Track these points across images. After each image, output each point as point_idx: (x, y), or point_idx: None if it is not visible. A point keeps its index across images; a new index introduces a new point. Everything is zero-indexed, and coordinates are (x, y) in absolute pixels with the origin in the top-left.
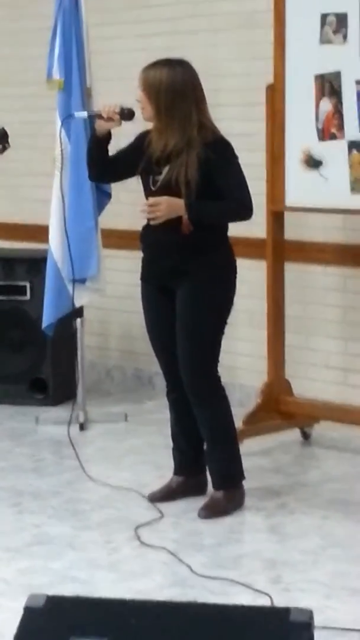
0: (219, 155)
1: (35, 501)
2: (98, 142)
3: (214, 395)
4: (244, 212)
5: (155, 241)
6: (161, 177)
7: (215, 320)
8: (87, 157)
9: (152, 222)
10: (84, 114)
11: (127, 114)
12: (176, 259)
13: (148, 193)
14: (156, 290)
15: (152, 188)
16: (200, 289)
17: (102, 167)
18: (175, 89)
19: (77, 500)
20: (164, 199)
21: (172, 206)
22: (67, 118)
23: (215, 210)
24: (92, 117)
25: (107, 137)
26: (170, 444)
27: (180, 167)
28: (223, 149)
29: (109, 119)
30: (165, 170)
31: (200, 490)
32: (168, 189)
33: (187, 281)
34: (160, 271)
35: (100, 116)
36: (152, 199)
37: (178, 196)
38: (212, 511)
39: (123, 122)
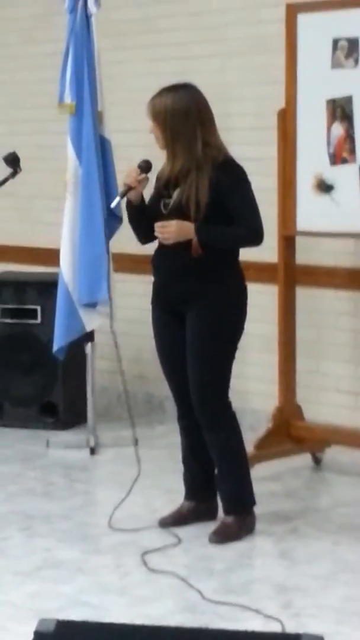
0: (230, 177)
1: (45, 525)
2: (137, 210)
3: (225, 420)
4: (255, 238)
5: (166, 265)
6: (172, 200)
7: (226, 346)
8: (134, 229)
9: (164, 243)
10: (118, 200)
11: (147, 166)
12: (187, 284)
13: (159, 217)
14: (167, 315)
15: (164, 211)
16: (211, 313)
17: (149, 229)
18: (180, 111)
19: (87, 525)
20: (174, 222)
21: (182, 229)
22: (109, 213)
23: (225, 235)
24: (126, 194)
25: (142, 202)
26: (181, 468)
27: (190, 189)
28: (234, 170)
29: (139, 182)
30: (176, 193)
31: (211, 515)
32: (179, 212)
33: (198, 306)
34: (171, 295)
35: (130, 188)
36: (162, 222)
37: (189, 219)
38: (223, 536)
39: (147, 175)
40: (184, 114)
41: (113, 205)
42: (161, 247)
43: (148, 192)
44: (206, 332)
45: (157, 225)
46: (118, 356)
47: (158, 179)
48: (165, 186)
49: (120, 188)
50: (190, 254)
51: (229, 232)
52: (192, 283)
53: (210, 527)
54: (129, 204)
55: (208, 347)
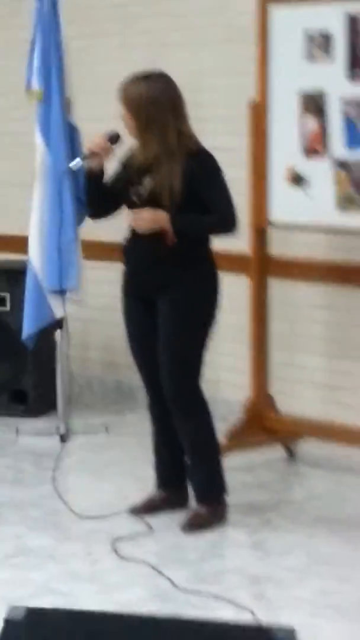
0: (203, 167)
1: (15, 512)
2: (96, 179)
3: (197, 409)
4: (229, 226)
5: (138, 254)
6: (143, 189)
7: (198, 334)
8: (87, 198)
9: (138, 231)
10: (79, 161)
11: (115, 138)
12: (159, 273)
13: (131, 205)
14: (137, 303)
15: (136, 201)
16: (184, 302)
17: (104, 202)
18: (154, 101)
19: (58, 512)
20: (148, 211)
21: (156, 217)
22: (66, 171)
23: (200, 223)
24: (88, 158)
25: (103, 172)
26: (152, 456)
27: (164, 178)
28: (207, 160)
29: (103, 150)
30: (146, 181)
31: (182, 503)
32: (153, 201)
33: (170, 295)
34: (142, 283)
35: (94, 153)
36: (137, 210)
37: (163, 208)
38: (194, 525)
39: (114, 147)
40: (158, 103)
41: (72, 165)
42: (133, 235)
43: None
44: (179, 320)
45: (132, 214)
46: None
47: (125, 166)
48: (137, 174)
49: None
50: (162, 242)
51: (204, 220)
52: (164, 271)
53: (182, 515)
54: (89, 172)
55: (180, 334)
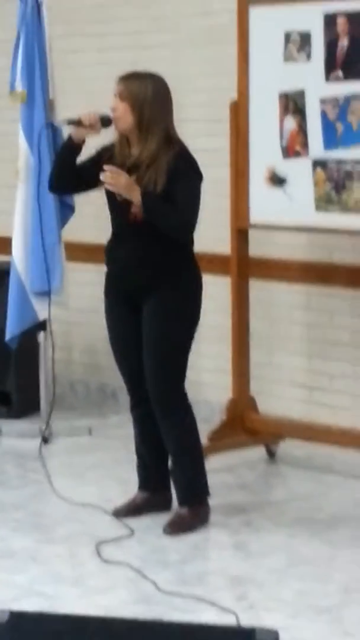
0: (184, 167)
1: None
2: (72, 150)
3: (181, 410)
4: (181, 230)
5: (121, 256)
6: None
7: (183, 336)
8: (55, 165)
9: (108, 188)
10: (63, 122)
11: (107, 121)
12: (143, 275)
13: (116, 203)
14: (121, 305)
15: (119, 197)
16: (168, 304)
17: (69, 176)
18: (160, 99)
19: (41, 514)
20: (126, 176)
21: (130, 185)
22: (46, 126)
23: (164, 211)
24: (73, 124)
25: (81, 146)
26: (135, 458)
27: (151, 176)
28: (190, 162)
29: (90, 126)
30: (133, 179)
31: (165, 506)
32: None
33: (155, 297)
34: (126, 286)
35: (80, 123)
36: (117, 169)
37: None
38: (177, 528)
39: (101, 130)
40: (162, 103)
41: (56, 122)
42: (116, 237)
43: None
44: (163, 323)
45: (109, 169)
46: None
47: (102, 157)
48: (120, 169)
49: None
50: (147, 246)
51: (168, 210)
52: (149, 274)
53: (164, 518)
54: (69, 138)
55: (165, 337)
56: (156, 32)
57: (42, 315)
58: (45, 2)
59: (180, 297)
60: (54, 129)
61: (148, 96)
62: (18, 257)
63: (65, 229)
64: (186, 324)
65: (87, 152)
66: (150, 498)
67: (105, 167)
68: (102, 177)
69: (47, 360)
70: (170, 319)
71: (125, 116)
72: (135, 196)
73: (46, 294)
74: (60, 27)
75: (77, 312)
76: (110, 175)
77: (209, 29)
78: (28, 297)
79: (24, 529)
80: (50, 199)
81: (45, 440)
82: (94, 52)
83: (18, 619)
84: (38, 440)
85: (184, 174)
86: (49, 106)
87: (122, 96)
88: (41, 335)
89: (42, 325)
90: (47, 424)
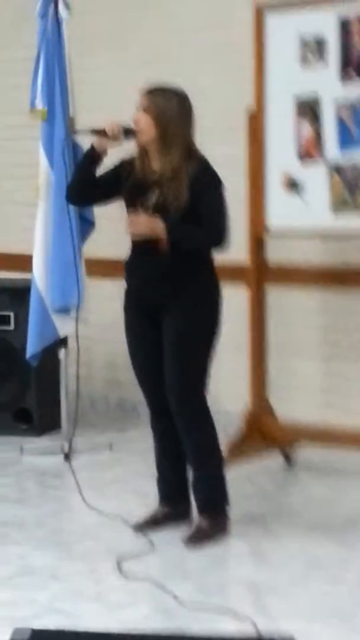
0: (207, 180)
1: (19, 532)
2: (93, 159)
3: (203, 420)
4: (219, 241)
5: (141, 271)
6: (149, 200)
7: (205, 346)
8: (75, 175)
9: (132, 235)
10: (89, 130)
11: (129, 132)
12: (164, 289)
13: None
14: (142, 319)
15: (141, 210)
16: (191, 314)
17: (88, 187)
18: (184, 115)
19: (62, 531)
20: (144, 216)
21: (152, 224)
22: (66, 139)
23: (193, 235)
24: (96, 134)
25: (102, 156)
26: (155, 472)
27: (173, 191)
28: (211, 174)
29: (113, 136)
30: (155, 194)
31: (185, 518)
32: (159, 212)
33: (177, 308)
34: (147, 301)
35: (104, 133)
36: (134, 214)
37: (164, 219)
38: (197, 540)
39: (124, 141)
40: (187, 117)
41: (80, 130)
42: (136, 250)
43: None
44: (187, 334)
45: (129, 216)
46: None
47: (120, 171)
48: (144, 187)
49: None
50: (167, 257)
51: (197, 232)
52: (170, 288)
53: (184, 530)
54: (91, 148)
55: (188, 347)
56: (173, 44)
57: (62, 332)
58: (66, 19)
59: (202, 306)
60: (74, 145)
61: (172, 111)
62: (38, 274)
63: (85, 245)
64: (208, 333)
65: (104, 167)
66: (170, 511)
67: (127, 217)
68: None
69: (68, 377)
70: (194, 330)
71: (148, 129)
72: (160, 233)
73: (67, 310)
74: (80, 43)
75: (97, 328)
76: (130, 222)
77: (226, 39)
78: (49, 314)
79: (45, 547)
80: (71, 215)
81: (66, 457)
82: (113, 68)
83: (39, 637)
84: (59, 457)
85: (208, 186)
86: (69, 123)
87: (146, 109)
88: (62, 352)
89: (62, 342)
90: (68, 440)
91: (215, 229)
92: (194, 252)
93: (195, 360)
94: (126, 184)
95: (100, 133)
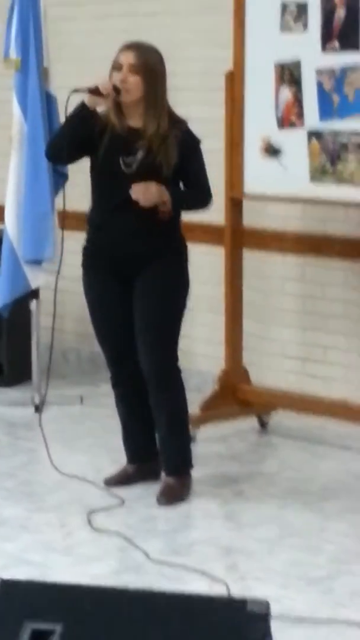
0: (193, 142)
1: None
2: (84, 120)
3: (175, 382)
4: (209, 200)
5: (117, 226)
6: (134, 159)
7: (180, 307)
8: (62, 134)
9: (142, 204)
10: (84, 89)
11: (117, 90)
12: (142, 245)
13: (119, 175)
14: (106, 279)
15: (125, 169)
16: (167, 275)
17: (74, 145)
18: (165, 76)
19: (32, 483)
20: (154, 185)
21: (160, 192)
22: (73, 92)
23: (190, 198)
24: (92, 93)
25: (94, 114)
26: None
27: (162, 151)
28: (195, 137)
29: (107, 95)
30: (140, 153)
31: (154, 475)
32: (145, 172)
33: (154, 266)
34: (121, 257)
35: (98, 92)
36: (143, 184)
37: (152, 178)
38: (170, 497)
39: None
40: (166, 77)
41: (75, 90)
42: (106, 210)
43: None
44: (164, 293)
45: (138, 186)
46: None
47: (105, 129)
48: (126, 144)
49: (88, 85)
50: (138, 216)
51: (193, 195)
52: (148, 244)
53: (154, 487)
54: (83, 107)
55: (165, 307)
56: (152, 1)
57: (34, 283)
58: None
59: (177, 267)
60: (47, 96)
61: (159, 69)
62: (10, 225)
63: (58, 197)
64: (183, 295)
65: None
66: (140, 468)
67: (134, 186)
68: (133, 195)
69: (39, 329)
70: (168, 291)
71: (135, 88)
72: (168, 202)
73: (38, 262)
74: None
75: (69, 281)
76: (140, 191)
77: None
78: (20, 265)
79: (15, 498)
80: (44, 167)
81: (37, 408)
82: (89, 20)
83: (9, 587)
84: (29, 409)
85: (195, 149)
86: (43, 74)
87: (134, 67)
88: (33, 304)
89: (34, 294)
90: (39, 392)
91: (204, 191)
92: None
93: (172, 325)
94: (102, 142)
95: (95, 91)
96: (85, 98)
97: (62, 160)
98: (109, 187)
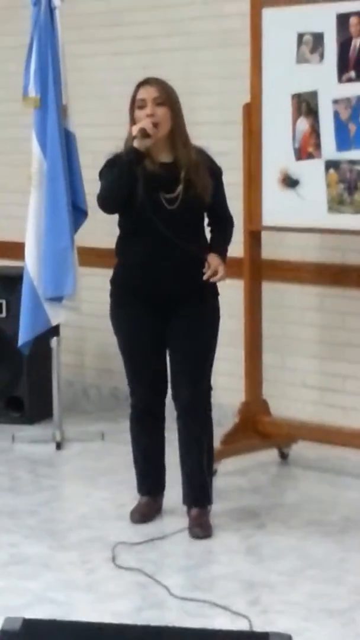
0: (217, 169)
1: (11, 520)
2: (137, 162)
3: (210, 415)
4: (232, 230)
5: (160, 265)
6: (178, 194)
7: (217, 339)
8: (118, 182)
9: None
10: (138, 133)
11: (157, 127)
12: (184, 286)
13: (161, 212)
14: (146, 310)
15: (167, 206)
16: (210, 309)
17: (128, 191)
18: (181, 104)
19: (54, 520)
20: (218, 263)
21: (223, 266)
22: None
23: (227, 241)
24: (143, 137)
25: (144, 156)
26: (141, 464)
27: (201, 181)
28: (216, 163)
29: (153, 133)
30: (180, 187)
31: (159, 510)
32: (187, 206)
33: (196, 301)
34: (161, 292)
35: (147, 134)
36: (213, 267)
37: (194, 211)
38: (207, 528)
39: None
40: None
41: (135, 137)
42: (147, 245)
43: None
44: (207, 327)
45: (212, 270)
46: None
47: (141, 170)
48: (166, 180)
49: (135, 132)
50: (185, 253)
51: (228, 236)
52: (190, 284)
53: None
54: (136, 152)
55: (207, 340)
56: (168, 36)
57: (54, 320)
58: (59, 7)
59: (215, 301)
60: (67, 134)
61: (179, 100)
62: (31, 262)
63: (77, 234)
64: (217, 328)
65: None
66: (155, 502)
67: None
68: (204, 277)
69: (59, 366)
70: (211, 323)
71: (166, 120)
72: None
73: (59, 299)
74: (73, 32)
75: (89, 317)
76: (215, 275)
77: (222, 32)
78: (40, 302)
79: (37, 536)
80: (63, 204)
81: (58, 445)
82: (107, 57)
83: (31, 626)
84: (51, 446)
85: (220, 176)
86: (62, 111)
87: (159, 100)
88: (54, 341)
89: (54, 331)
90: (60, 429)
91: (231, 221)
92: (203, 247)
93: (212, 354)
94: (139, 181)
95: (144, 136)
96: (135, 142)
97: (117, 209)
98: (150, 225)
